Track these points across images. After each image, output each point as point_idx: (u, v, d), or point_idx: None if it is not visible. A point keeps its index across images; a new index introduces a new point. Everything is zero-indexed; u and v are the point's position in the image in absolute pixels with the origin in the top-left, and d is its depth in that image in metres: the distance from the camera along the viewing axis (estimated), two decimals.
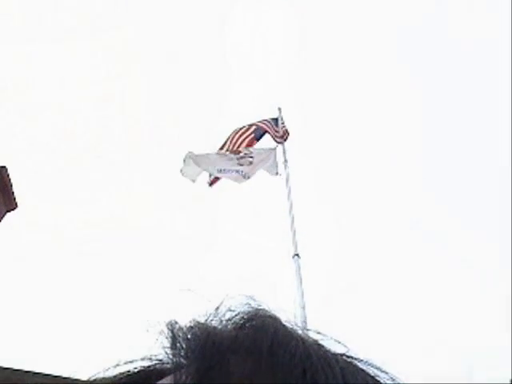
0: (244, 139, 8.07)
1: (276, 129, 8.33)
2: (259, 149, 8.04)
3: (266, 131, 8.23)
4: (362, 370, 0.44)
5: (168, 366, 0.42)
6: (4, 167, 11.77)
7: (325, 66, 22.33)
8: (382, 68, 22.26)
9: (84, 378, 0.45)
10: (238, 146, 7.97)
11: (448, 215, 19.73)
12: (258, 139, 8.21)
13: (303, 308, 5.08)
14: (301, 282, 5.43)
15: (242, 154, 7.69)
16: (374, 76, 22.22)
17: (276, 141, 8.14)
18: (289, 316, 0.45)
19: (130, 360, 0.43)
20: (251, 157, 7.68)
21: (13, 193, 12.03)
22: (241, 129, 8.32)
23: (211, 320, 0.45)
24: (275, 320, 0.44)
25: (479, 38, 20.60)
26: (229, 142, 8.09)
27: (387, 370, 0.46)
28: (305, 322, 4.81)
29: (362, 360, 0.45)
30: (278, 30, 23.49)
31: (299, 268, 5.62)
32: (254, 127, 8.29)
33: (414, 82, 21.88)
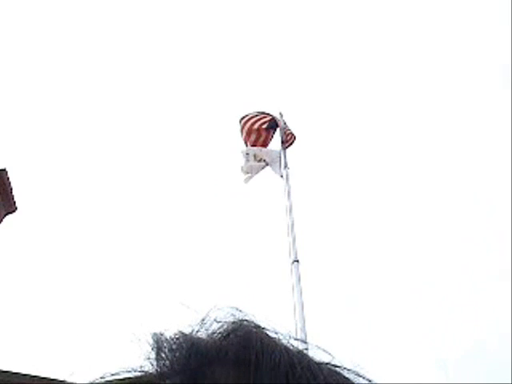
0: (258, 128, 8.16)
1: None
2: (267, 150, 8.05)
3: (279, 127, 8.20)
4: (346, 379, 0.44)
5: (153, 377, 0.43)
6: (4, 170, 11.79)
7: (326, 65, 22.34)
8: (385, 69, 22.26)
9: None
10: (250, 136, 8.11)
11: (449, 221, 19.73)
12: (270, 130, 8.22)
13: (303, 315, 5.07)
14: (300, 289, 5.42)
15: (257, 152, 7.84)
16: (377, 77, 22.21)
17: (282, 144, 8.13)
18: (274, 325, 0.46)
19: (116, 372, 0.44)
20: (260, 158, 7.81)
21: (13, 195, 12.04)
22: (254, 117, 8.36)
23: (197, 331, 0.46)
24: (260, 330, 0.45)
25: (478, 38, 20.73)
26: (244, 133, 8.21)
27: (372, 379, 0.46)
28: (304, 329, 4.80)
29: (346, 369, 0.45)
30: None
31: (299, 274, 5.61)
32: (269, 117, 8.30)
33: (417, 84, 21.90)
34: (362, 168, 19.78)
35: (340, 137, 21.33)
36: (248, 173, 7.79)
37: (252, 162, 7.77)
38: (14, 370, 5.45)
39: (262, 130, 8.21)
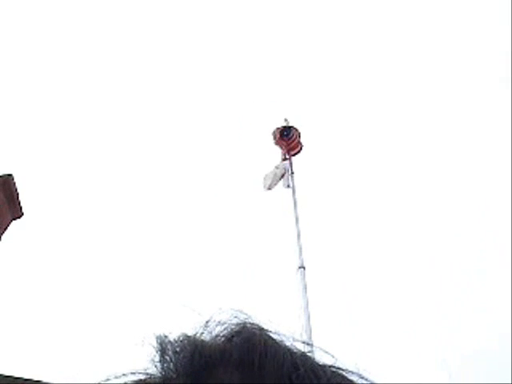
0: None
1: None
2: (281, 164, 8.19)
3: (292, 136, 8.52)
4: (349, 381, 0.45)
5: (158, 379, 0.43)
6: (10, 175, 11.83)
7: (332, 72, 22.29)
8: (393, 73, 22.18)
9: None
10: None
11: (450, 222, 19.63)
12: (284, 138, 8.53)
13: (308, 318, 5.06)
14: (306, 295, 5.41)
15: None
16: (379, 77, 22.14)
17: (289, 153, 8.21)
18: (278, 327, 0.46)
19: (121, 374, 0.44)
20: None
21: (19, 201, 12.08)
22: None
23: (201, 334, 0.46)
24: (263, 332, 0.45)
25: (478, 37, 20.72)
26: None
27: (375, 381, 0.46)
28: (310, 334, 4.78)
29: (349, 371, 0.46)
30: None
31: (305, 280, 5.60)
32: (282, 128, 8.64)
33: (417, 85, 21.81)
34: (366, 172, 19.71)
35: (345, 144, 21.28)
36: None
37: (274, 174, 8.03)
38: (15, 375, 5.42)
39: (281, 140, 8.52)
